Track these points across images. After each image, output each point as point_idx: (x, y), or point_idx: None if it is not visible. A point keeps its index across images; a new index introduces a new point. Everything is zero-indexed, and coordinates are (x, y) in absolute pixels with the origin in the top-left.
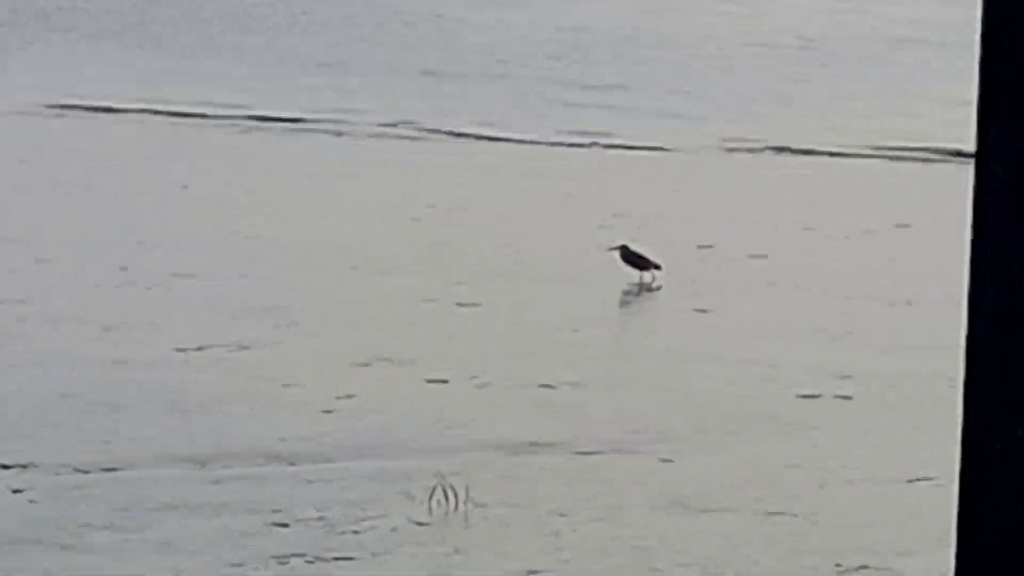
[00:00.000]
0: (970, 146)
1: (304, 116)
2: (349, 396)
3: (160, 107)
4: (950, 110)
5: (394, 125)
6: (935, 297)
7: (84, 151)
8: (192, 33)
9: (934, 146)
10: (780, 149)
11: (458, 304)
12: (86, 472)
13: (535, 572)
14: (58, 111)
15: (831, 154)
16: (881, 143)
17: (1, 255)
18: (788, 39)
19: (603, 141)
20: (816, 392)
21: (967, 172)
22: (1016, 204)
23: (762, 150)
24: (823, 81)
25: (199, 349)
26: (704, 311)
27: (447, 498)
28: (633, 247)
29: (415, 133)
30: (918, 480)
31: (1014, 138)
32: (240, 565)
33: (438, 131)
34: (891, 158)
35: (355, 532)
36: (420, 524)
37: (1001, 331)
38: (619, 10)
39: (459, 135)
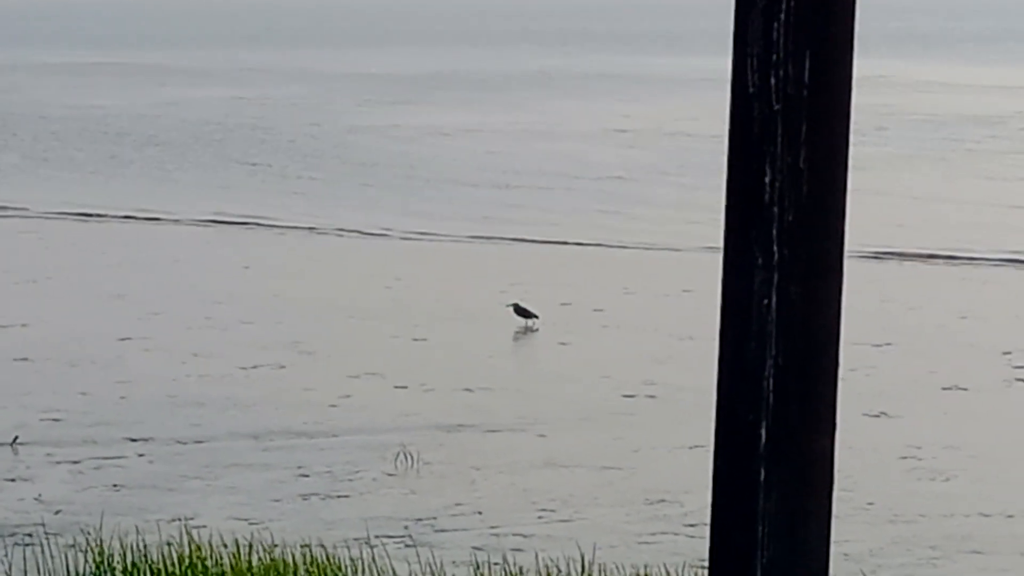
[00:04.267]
0: None
1: (315, 226)
2: (346, 396)
3: (228, 219)
4: None
5: (377, 232)
6: (708, 334)
7: (179, 244)
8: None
9: None
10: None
11: (413, 339)
12: (184, 443)
13: (460, 504)
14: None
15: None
16: None
17: (126, 309)
18: None
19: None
20: (634, 393)
21: None
22: None
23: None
24: None
25: (253, 367)
26: (565, 344)
27: (407, 459)
28: (521, 304)
29: (387, 233)
30: (696, 447)
31: None
32: (278, 500)
33: (390, 231)
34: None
35: (350, 480)
36: (390, 475)
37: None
38: None
39: (410, 235)
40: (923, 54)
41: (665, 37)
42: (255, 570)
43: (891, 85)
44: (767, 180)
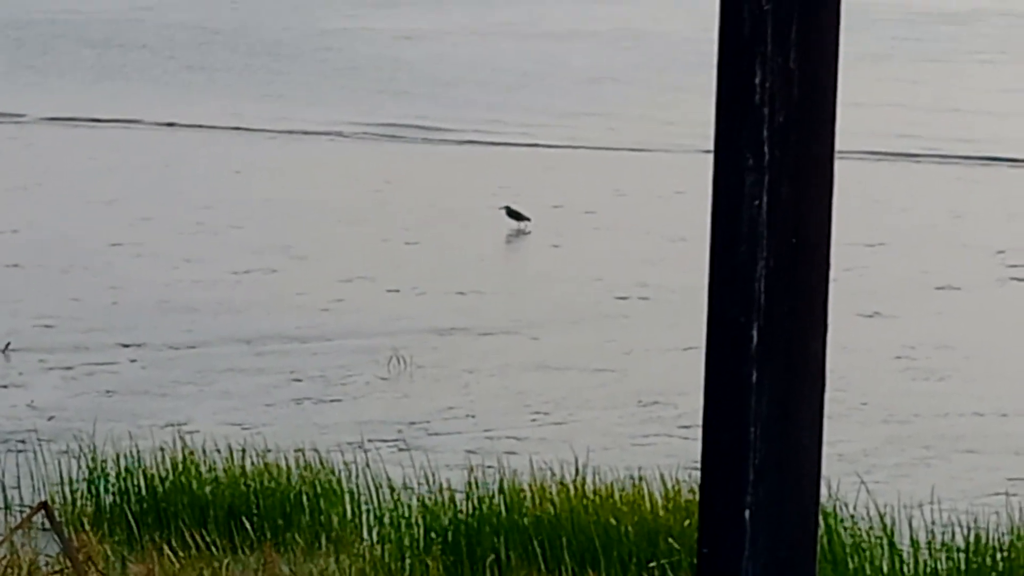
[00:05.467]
0: None
1: (306, 129)
2: (338, 300)
3: (215, 123)
4: None
5: (365, 135)
6: (700, 235)
7: (169, 149)
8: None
9: None
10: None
11: (405, 243)
12: (176, 349)
13: (452, 408)
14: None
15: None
16: None
17: (116, 215)
18: None
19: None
20: (626, 295)
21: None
22: None
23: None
24: None
25: (245, 272)
26: (557, 246)
27: (399, 363)
28: (513, 207)
29: (375, 136)
30: (690, 348)
31: None
32: (271, 405)
33: (389, 137)
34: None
35: (343, 384)
36: (383, 379)
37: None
38: None
39: (398, 137)
40: None
41: None
42: (248, 475)
43: None
44: (757, 81)
